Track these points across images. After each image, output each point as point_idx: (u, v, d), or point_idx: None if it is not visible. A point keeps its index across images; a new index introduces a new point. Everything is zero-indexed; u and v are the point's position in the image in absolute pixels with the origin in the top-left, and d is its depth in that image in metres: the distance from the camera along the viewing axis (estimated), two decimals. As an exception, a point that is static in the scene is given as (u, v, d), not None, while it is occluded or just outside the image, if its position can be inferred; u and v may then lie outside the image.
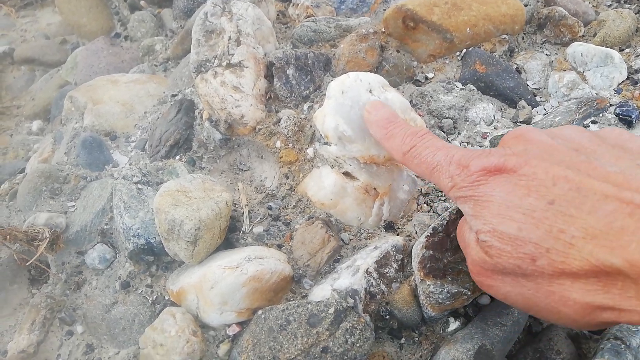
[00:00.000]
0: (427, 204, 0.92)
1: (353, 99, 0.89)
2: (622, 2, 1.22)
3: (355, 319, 0.71)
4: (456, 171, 0.58)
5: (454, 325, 0.77)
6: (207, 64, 0.98)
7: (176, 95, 1.12)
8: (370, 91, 0.90)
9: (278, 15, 1.18)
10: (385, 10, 1.25)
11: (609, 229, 0.43)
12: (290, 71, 1.00)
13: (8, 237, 0.87)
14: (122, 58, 1.58)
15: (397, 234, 0.89)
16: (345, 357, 0.68)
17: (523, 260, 0.49)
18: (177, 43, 1.37)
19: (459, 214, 0.77)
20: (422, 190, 0.94)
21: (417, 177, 0.95)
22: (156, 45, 1.47)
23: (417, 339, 0.78)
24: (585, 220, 0.45)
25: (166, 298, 0.87)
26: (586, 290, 0.46)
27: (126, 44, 1.64)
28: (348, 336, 0.69)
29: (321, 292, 0.77)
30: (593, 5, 1.22)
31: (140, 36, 1.63)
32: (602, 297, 0.45)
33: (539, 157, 0.51)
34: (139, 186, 0.92)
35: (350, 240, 0.88)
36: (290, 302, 0.75)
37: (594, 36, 1.13)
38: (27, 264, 0.87)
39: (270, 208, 0.93)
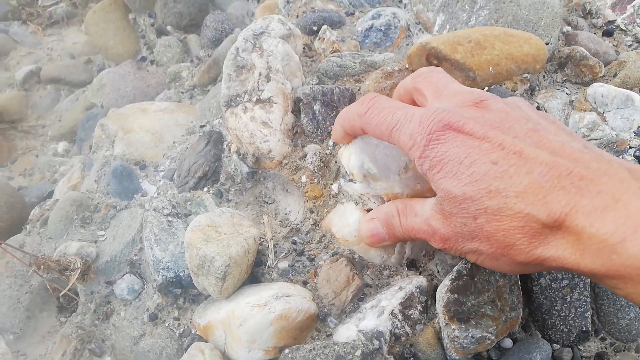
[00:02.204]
0: (450, 243, 0.94)
1: (379, 138, 0.92)
2: (643, 41, 1.24)
3: (381, 361, 0.72)
4: (417, 128, 0.61)
5: (477, 368, 0.79)
6: (238, 98, 1.01)
7: (204, 126, 1.15)
8: (395, 131, 0.93)
9: (304, 48, 1.21)
10: (408, 45, 1.28)
11: (538, 187, 0.50)
12: (316, 107, 1.03)
13: (42, 266, 0.90)
14: (148, 82, 1.62)
15: (420, 273, 0.90)
16: (372, 401, 0.69)
17: (467, 219, 0.57)
18: (203, 71, 1.41)
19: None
20: (445, 228, 0.95)
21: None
22: (183, 72, 1.50)
23: (440, 380, 0.79)
24: (520, 181, 0.51)
25: (193, 332, 0.89)
26: (528, 243, 0.53)
27: (152, 69, 1.68)
28: (374, 379, 0.70)
29: (346, 332, 0.79)
30: (614, 45, 1.23)
31: (166, 61, 1.67)
32: (543, 249, 0.52)
33: (494, 124, 0.57)
34: (169, 219, 0.95)
35: (373, 279, 0.89)
36: (316, 343, 0.76)
37: (614, 77, 1.14)
38: (60, 294, 0.90)
39: (294, 243, 0.95)
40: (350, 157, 0.93)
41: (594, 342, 0.84)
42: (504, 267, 0.61)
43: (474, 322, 0.76)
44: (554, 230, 0.50)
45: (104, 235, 1.02)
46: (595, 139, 1.05)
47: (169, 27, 1.77)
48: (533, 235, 0.52)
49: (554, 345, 0.83)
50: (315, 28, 1.27)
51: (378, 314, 0.78)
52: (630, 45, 1.24)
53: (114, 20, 1.90)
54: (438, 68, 0.81)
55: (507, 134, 0.55)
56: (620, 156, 1.01)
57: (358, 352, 0.72)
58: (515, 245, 0.54)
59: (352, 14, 1.36)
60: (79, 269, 0.91)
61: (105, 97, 1.65)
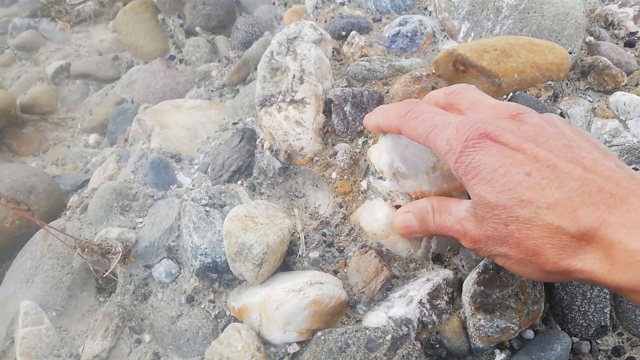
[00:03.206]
0: (473, 240, 0.98)
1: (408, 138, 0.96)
2: (663, 53, 1.27)
3: (410, 346, 0.77)
4: (454, 135, 0.64)
5: (499, 357, 0.83)
6: (272, 98, 1.06)
7: (237, 123, 1.21)
8: (424, 131, 0.97)
9: (333, 52, 1.26)
10: (433, 51, 1.32)
11: (569, 201, 0.52)
12: (347, 108, 1.07)
13: (86, 249, 0.95)
14: (177, 80, 1.68)
15: (445, 267, 0.94)
16: (402, 382, 0.74)
17: (498, 225, 0.60)
18: (233, 71, 1.46)
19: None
20: (468, 226, 1.00)
21: (464, 213, 1.01)
22: (212, 72, 1.56)
23: (463, 368, 0.84)
24: (552, 194, 0.53)
25: (227, 314, 0.94)
26: (557, 254, 0.55)
27: (181, 67, 1.74)
28: (404, 362, 0.75)
29: (375, 318, 0.84)
30: (635, 56, 1.27)
31: (194, 60, 1.73)
32: (571, 261, 0.54)
33: (529, 137, 0.59)
34: (207, 208, 1.00)
35: (400, 271, 0.94)
36: (348, 327, 0.81)
37: (636, 86, 1.19)
38: (104, 275, 0.95)
39: (324, 234, 1.00)
40: (380, 155, 0.98)
41: (612, 336, 0.88)
42: (530, 273, 0.64)
43: (498, 313, 0.80)
44: (582, 244, 0.52)
45: (142, 222, 1.07)
46: (617, 145, 1.09)
47: (197, 28, 1.83)
48: (562, 247, 0.53)
49: (573, 338, 0.87)
50: (343, 33, 1.32)
51: (407, 303, 0.83)
52: (651, 56, 1.28)
53: (144, 20, 1.96)
54: (471, 85, 0.84)
55: (541, 148, 0.57)
56: (640, 162, 1.05)
57: (388, 337, 0.77)
58: (543, 255, 0.57)
59: (379, 20, 1.41)
60: (120, 253, 0.96)
61: (135, 93, 1.71)
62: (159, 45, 1.91)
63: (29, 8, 2.66)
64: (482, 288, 0.80)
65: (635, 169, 1.03)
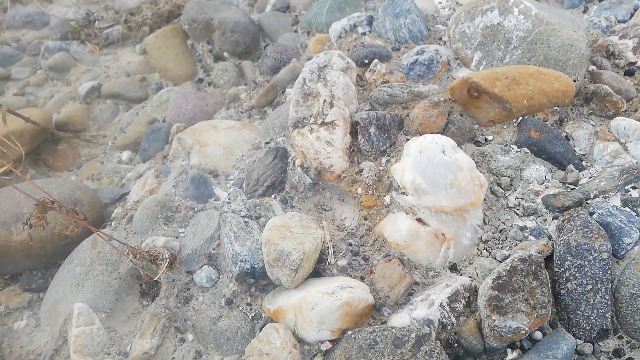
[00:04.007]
0: (487, 250, 1.08)
1: (429, 157, 1.07)
2: (662, 81, 1.38)
3: (432, 343, 0.86)
4: None
5: (511, 355, 0.92)
6: (304, 120, 1.17)
7: (269, 142, 1.32)
8: (443, 152, 1.08)
9: (357, 79, 1.38)
10: (448, 78, 1.44)
11: None
12: (372, 130, 1.18)
13: (137, 255, 1.06)
14: (207, 102, 1.80)
15: (460, 275, 1.04)
16: (426, 374, 0.83)
17: None
18: (261, 94, 1.58)
19: (520, 261, 0.92)
20: (482, 237, 1.10)
21: (478, 226, 1.11)
22: (241, 94, 1.68)
23: (479, 365, 0.93)
24: None
25: (263, 315, 1.03)
26: None
27: (210, 90, 1.87)
28: (427, 357, 0.84)
29: (400, 319, 0.93)
30: (634, 84, 1.38)
31: (222, 83, 1.86)
32: None
33: None
34: (246, 219, 1.10)
35: (420, 278, 1.04)
36: (376, 326, 0.91)
37: (635, 112, 1.29)
38: (154, 279, 1.05)
39: (350, 244, 1.10)
40: (404, 173, 1.08)
41: (613, 339, 0.97)
42: None
43: (510, 315, 0.89)
44: None
45: (184, 232, 1.18)
46: (618, 166, 1.19)
47: (225, 53, 1.96)
48: None
49: (577, 340, 0.96)
50: (366, 61, 1.45)
51: (428, 306, 0.92)
52: (649, 84, 1.39)
53: (174, 45, 2.10)
54: None
55: None
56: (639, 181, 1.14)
57: (413, 335, 0.86)
58: None
59: (398, 49, 1.53)
60: (168, 259, 1.07)
61: (167, 113, 1.83)
62: (188, 68, 2.04)
63: (60, 31, 2.81)
64: (496, 292, 0.90)
65: (634, 187, 1.13)
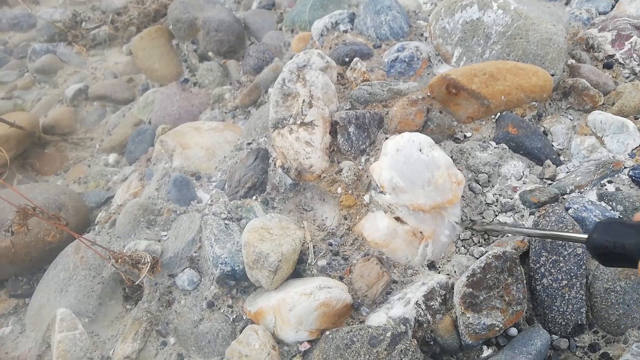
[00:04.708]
0: (465, 247, 1.09)
1: (406, 156, 1.08)
2: (639, 74, 1.39)
3: (408, 342, 0.87)
4: None
5: (486, 352, 0.93)
6: (284, 121, 1.18)
7: (251, 143, 1.33)
8: (420, 150, 1.09)
9: (338, 77, 1.38)
10: (429, 74, 1.44)
11: None
12: (351, 129, 1.19)
13: (119, 259, 1.07)
14: (192, 102, 1.81)
15: (439, 272, 1.05)
16: (401, 372, 0.84)
17: None
18: (245, 94, 1.59)
19: (494, 258, 0.93)
20: (460, 235, 1.11)
21: (456, 223, 1.12)
22: (225, 94, 1.68)
23: (456, 362, 0.94)
24: None
25: (244, 317, 1.04)
26: None
27: (195, 90, 1.87)
28: (402, 356, 0.85)
29: (377, 318, 0.94)
30: (613, 77, 1.38)
31: (207, 83, 1.86)
32: None
33: None
34: (226, 222, 1.11)
35: (399, 276, 1.05)
36: (353, 326, 0.92)
37: (613, 105, 1.30)
38: (135, 283, 1.06)
39: (330, 244, 1.11)
40: (381, 172, 1.09)
41: (588, 334, 0.98)
42: None
43: (485, 312, 0.91)
44: None
45: (166, 235, 1.19)
46: (594, 160, 1.19)
47: (210, 53, 1.96)
48: None
49: (553, 336, 0.97)
50: (347, 59, 1.45)
51: (405, 304, 0.94)
52: (627, 77, 1.39)
53: (159, 45, 2.10)
54: None
55: None
56: (616, 175, 1.15)
57: (388, 334, 0.87)
58: None
59: (379, 46, 1.53)
60: (149, 263, 1.08)
61: (153, 114, 1.84)
62: (174, 69, 2.04)
63: (46, 33, 2.80)
64: (470, 290, 0.91)
65: (610, 182, 1.14)
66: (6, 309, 1.29)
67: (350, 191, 1.15)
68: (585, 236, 0.76)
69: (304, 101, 1.17)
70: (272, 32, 1.89)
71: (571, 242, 0.98)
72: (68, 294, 1.17)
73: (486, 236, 1.10)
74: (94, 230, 1.30)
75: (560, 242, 0.99)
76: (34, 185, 1.48)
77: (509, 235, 1.06)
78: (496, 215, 1.13)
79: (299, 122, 1.16)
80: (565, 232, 0.87)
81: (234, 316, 1.06)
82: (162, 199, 1.26)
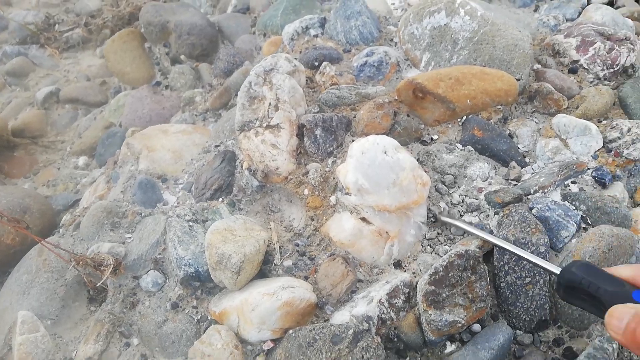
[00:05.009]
0: (430, 247, 1.10)
1: (370, 158, 1.09)
2: (602, 79, 1.42)
3: (370, 339, 0.87)
4: None
5: (450, 348, 0.94)
6: (250, 124, 1.18)
7: (219, 146, 1.32)
8: (385, 152, 1.10)
9: (307, 81, 1.39)
10: (397, 79, 1.46)
11: None
12: (318, 132, 1.19)
13: (80, 262, 1.05)
14: (163, 105, 1.80)
15: (405, 271, 1.06)
16: (362, 370, 0.84)
17: None
18: (215, 97, 1.58)
19: (456, 257, 0.94)
20: (426, 235, 1.12)
21: (422, 223, 1.13)
22: (196, 97, 1.68)
23: (419, 358, 0.95)
24: None
25: (209, 318, 1.03)
26: None
27: (167, 93, 1.86)
28: (364, 353, 0.85)
29: (341, 317, 0.94)
30: (577, 81, 1.42)
31: (179, 86, 1.85)
32: None
33: None
34: (190, 224, 1.10)
35: (365, 275, 1.05)
36: (316, 324, 0.92)
37: (577, 108, 1.33)
38: (97, 285, 1.05)
39: (297, 245, 1.11)
40: (346, 174, 1.10)
41: (552, 329, 1.00)
42: None
43: (447, 309, 0.91)
44: None
45: (130, 237, 1.17)
46: (558, 162, 1.22)
47: (182, 56, 1.95)
48: None
49: (518, 331, 0.98)
50: (316, 63, 1.45)
51: (368, 302, 0.94)
52: (591, 82, 1.43)
53: (131, 48, 2.08)
54: None
55: None
56: (580, 176, 1.18)
57: (350, 332, 0.87)
58: None
59: (349, 51, 1.54)
60: (112, 265, 1.06)
61: (123, 117, 1.82)
62: (146, 72, 2.03)
63: (18, 35, 2.76)
64: (433, 287, 0.92)
65: (574, 182, 1.17)
66: (-34, 313, 1.26)
67: (317, 193, 1.15)
68: (559, 269, 0.75)
69: (270, 104, 1.17)
70: (245, 35, 1.90)
71: (534, 241, 1.00)
72: (30, 296, 1.14)
73: (452, 236, 1.12)
74: (59, 233, 1.28)
75: (523, 240, 1.00)
76: (-2, 188, 1.45)
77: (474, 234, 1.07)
78: (462, 215, 1.14)
79: (265, 125, 1.16)
80: (540, 259, 0.84)
81: (199, 317, 1.05)
82: (127, 201, 1.25)
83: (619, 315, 0.60)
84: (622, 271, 0.68)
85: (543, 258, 1.00)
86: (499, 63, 1.39)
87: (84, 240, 1.20)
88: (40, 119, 2.19)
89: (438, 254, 1.08)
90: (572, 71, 1.46)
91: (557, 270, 0.77)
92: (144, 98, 1.81)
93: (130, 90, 2.00)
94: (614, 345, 0.93)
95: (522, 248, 0.99)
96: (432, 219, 1.13)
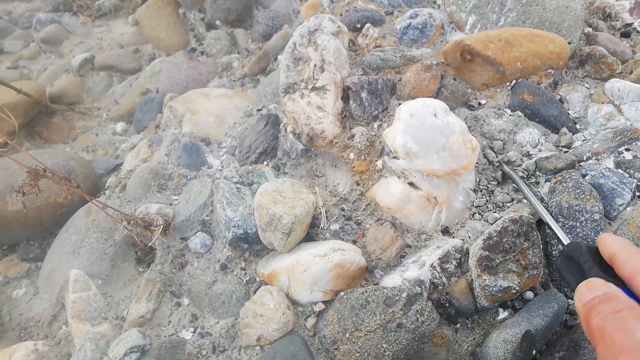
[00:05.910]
0: (479, 214, 1.08)
1: (420, 121, 1.07)
2: (658, 42, 1.36)
3: (423, 302, 0.87)
4: None
5: (502, 314, 0.93)
6: (295, 86, 1.16)
7: (261, 109, 1.31)
8: (435, 115, 1.07)
9: (349, 43, 1.36)
10: (442, 42, 1.42)
11: None
12: (364, 94, 1.17)
13: (131, 221, 1.06)
14: (199, 71, 1.78)
15: (453, 237, 1.05)
16: (417, 332, 0.84)
17: None
18: (254, 62, 1.56)
19: (510, 222, 0.93)
20: (474, 202, 1.10)
21: (471, 190, 1.11)
22: (234, 63, 1.66)
23: (470, 325, 0.94)
24: None
25: (257, 279, 1.04)
26: None
27: (203, 59, 1.84)
28: (418, 316, 0.85)
29: (392, 281, 0.94)
30: (630, 46, 1.36)
31: (215, 52, 1.83)
32: None
33: None
34: (238, 186, 1.10)
35: (412, 241, 1.04)
36: (368, 287, 0.92)
37: (630, 73, 1.27)
38: (148, 245, 1.06)
39: (343, 210, 1.10)
40: (395, 137, 1.08)
41: (603, 298, 0.98)
42: None
43: (501, 275, 0.90)
44: None
45: (177, 199, 1.18)
46: (612, 128, 1.18)
47: (217, 22, 1.93)
48: None
49: (569, 300, 0.97)
50: (358, 25, 1.42)
51: (420, 267, 0.93)
52: (646, 46, 1.37)
53: (166, 14, 2.07)
54: None
55: None
56: (634, 143, 1.14)
57: (404, 294, 0.87)
58: None
59: (391, 13, 1.50)
60: (162, 225, 1.07)
61: (160, 83, 1.82)
62: (181, 38, 2.01)
63: (51, 3, 2.76)
64: (487, 253, 0.91)
65: (628, 149, 1.13)
66: (19, 272, 1.29)
67: (362, 157, 1.14)
68: (568, 241, 0.81)
69: (315, 65, 1.15)
70: (280, 0, 1.86)
71: (588, 208, 0.98)
72: (80, 256, 1.17)
73: (500, 203, 1.10)
74: (105, 194, 1.30)
75: (577, 207, 0.98)
76: (41, 151, 1.47)
77: (521, 194, 1.06)
78: (510, 182, 1.12)
79: (310, 87, 1.15)
80: (559, 229, 0.90)
81: (247, 278, 1.06)
82: (172, 163, 1.25)
83: (594, 287, 0.57)
84: (609, 243, 0.64)
85: (597, 226, 0.98)
86: (549, 26, 1.33)
87: (131, 202, 1.22)
88: (76, 86, 2.21)
89: (487, 222, 1.06)
90: (625, 35, 1.40)
91: (566, 241, 0.85)
92: (180, 64, 1.80)
93: (165, 57, 1.99)
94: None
95: (576, 215, 0.97)
96: (496, 163, 1.11)
